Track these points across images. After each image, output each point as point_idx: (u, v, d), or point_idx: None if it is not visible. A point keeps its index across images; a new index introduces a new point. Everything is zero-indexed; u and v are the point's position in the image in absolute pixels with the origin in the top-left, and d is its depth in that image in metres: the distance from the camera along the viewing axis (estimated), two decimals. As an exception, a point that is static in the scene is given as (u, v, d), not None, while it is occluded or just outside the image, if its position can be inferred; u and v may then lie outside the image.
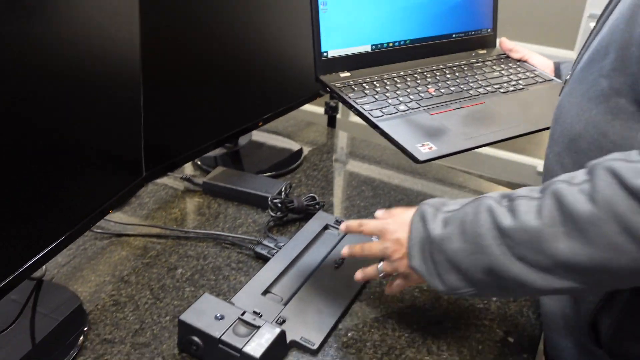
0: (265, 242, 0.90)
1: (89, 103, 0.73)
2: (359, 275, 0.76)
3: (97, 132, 0.77)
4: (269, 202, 0.96)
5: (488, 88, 0.91)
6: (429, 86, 0.88)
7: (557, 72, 1.01)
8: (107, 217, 0.94)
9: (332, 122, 1.47)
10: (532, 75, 0.99)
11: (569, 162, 0.67)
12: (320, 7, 0.82)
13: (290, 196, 1.00)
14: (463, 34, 0.99)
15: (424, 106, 0.83)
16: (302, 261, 0.87)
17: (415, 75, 0.90)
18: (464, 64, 0.96)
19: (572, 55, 2.38)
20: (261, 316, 0.75)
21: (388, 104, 0.83)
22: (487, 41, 1.04)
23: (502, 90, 0.92)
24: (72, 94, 0.70)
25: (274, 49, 1.12)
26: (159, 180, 1.09)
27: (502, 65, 1.00)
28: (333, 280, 0.84)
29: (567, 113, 0.69)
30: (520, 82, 0.96)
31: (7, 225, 0.65)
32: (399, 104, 0.83)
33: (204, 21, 0.95)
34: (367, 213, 1.03)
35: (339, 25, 0.85)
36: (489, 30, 1.04)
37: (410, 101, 0.84)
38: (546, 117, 0.88)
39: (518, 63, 1.02)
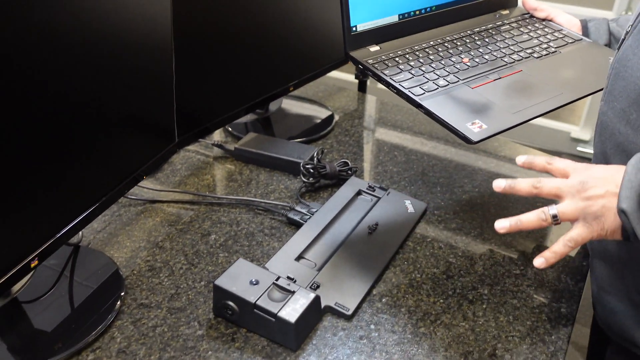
0: (298, 208, 0.90)
1: (121, 71, 0.73)
2: (509, 223, 0.67)
3: (130, 99, 0.77)
4: (301, 168, 0.95)
5: (521, 54, 0.87)
6: (462, 56, 0.85)
7: (585, 31, 0.96)
8: (140, 184, 0.94)
9: (362, 87, 1.45)
10: (560, 36, 0.95)
11: (638, 119, 0.65)
12: None
13: (322, 162, 0.99)
14: None
15: (463, 79, 0.80)
16: (335, 227, 0.86)
17: (446, 44, 0.87)
18: (490, 28, 0.93)
19: (610, 15, 2.29)
20: (295, 282, 0.75)
21: (426, 79, 0.79)
22: (509, 0, 1.00)
23: (535, 55, 0.88)
24: (104, 63, 0.70)
25: (303, 13, 1.10)
26: (191, 147, 1.09)
27: (529, 27, 0.96)
28: (366, 246, 0.83)
29: (633, 67, 0.66)
30: (551, 44, 0.93)
31: (44, 192, 0.65)
32: (438, 78, 0.80)
33: (233, -16, 0.93)
34: (400, 178, 1.01)
35: None
36: None
37: (448, 74, 0.81)
38: (587, 80, 0.85)
39: (544, 23, 0.98)
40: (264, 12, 1.00)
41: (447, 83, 0.79)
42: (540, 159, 0.70)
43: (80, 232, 0.84)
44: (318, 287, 0.75)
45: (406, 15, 0.85)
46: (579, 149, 2.45)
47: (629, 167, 0.61)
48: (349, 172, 0.99)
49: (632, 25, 0.71)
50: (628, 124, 0.66)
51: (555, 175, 0.68)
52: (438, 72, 0.81)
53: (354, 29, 0.81)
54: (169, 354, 0.67)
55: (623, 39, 0.72)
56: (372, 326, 0.72)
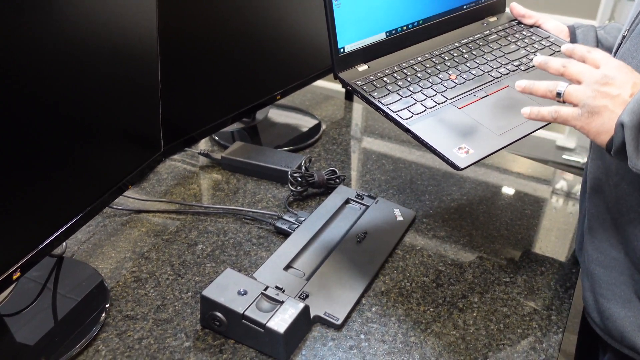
0: (286, 217, 0.89)
1: (105, 80, 0.72)
2: (525, 84, 0.69)
3: (115, 108, 0.76)
4: (289, 177, 0.95)
5: (508, 67, 0.87)
6: (449, 72, 0.84)
7: (573, 37, 0.96)
8: (126, 194, 0.93)
9: (349, 95, 1.45)
10: (548, 44, 0.95)
11: None
12: (334, 3, 0.76)
13: (310, 170, 0.98)
14: (473, 4, 0.95)
15: (450, 99, 0.79)
16: (324, 236, 0.86)
17: (434, 59, 0.86)
18: (478, 39, 0.92)
19: (594, 24, 2.32)
20: (284, 291, 0.74)
21: (414, 101, 0.78)
22: (497, 7, 1.00)
23: (522, 67, 0.88)
24: (88, 71, 0.69)
25: (290, 22, 1.09)
26: (177, 156, 1.08)
27: (517, 35, 0.95)
28: (355, 254, 0.82)
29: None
30: (538, 54, 0.93)
31: (27, 203, 0.64)
32: (425, 99, 0.78)
33: (219, -8, 0.93)
34: (388, 187, 1.01)
35: (353, 18, 0.80)
36: None
37: (435, 94, 0.79)
38: None
39: (531, 30, 0.98)
40: (250, 21, 1.00)
41: (435, 104, 0.78)
42: (556, 62, 0.68)
43: (64, 243, 0.82)
44: (307, 296, 0.74)
45: (393, 32, 0.84)
46: (564, 157, 2.47)
47: None
48: (337, 180, 0.98)
49: (628, 30, 0.71)
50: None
51: (577, 73, 0.67)
52: (426, 92, 0.79)
53: (341, 50, 0.79)
54: (155, 366, 0.66)
55: (620, 44, 0.72)
56: (362, 336, 0.71)
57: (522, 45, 0.93)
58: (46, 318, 0.71)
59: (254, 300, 0.69)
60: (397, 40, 0.85)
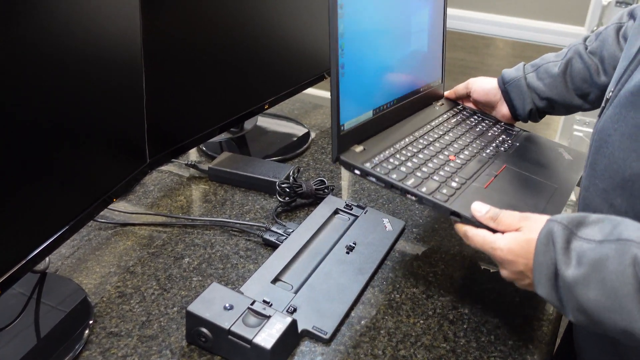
0: (274, 229, 0.88)
1: (87, 89, 0.71)
2: (463, 229, 0.67)
3: (99, 119, 0.74)
4: (277, 187, 0.93)
5: (491, 148, 0.87)
6: (445, 152, 0.82)
7: (505, 95, 0.94)
8: (111, 207, 0.92)
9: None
10: (504, 128, 0.96)
11: (623, 205, 0.61)
12: (340, 70, 0.72)
13: (298, 180, 0.97)
14: (426, 87, 0.96)
15: (469, 178, 0.76)
16: (312, 247, 0.85)
17: (421, 140, 0.84)
18: (445, 120, 0.93)
19: (582, 32, 2.32)
20: (271, 305, 0.72)
21: (438, 182, 0.73)
22: (439, 92, 1.01)
23: (502, 149, 0.89)
24: (70, 80, 0.67)
25: (278, 30, 1.09)
26: (164, 168, 1.07)
27: (471, 120, 0.96)
28: (344, 266, 0.81)
29: (614, 144, 0.62)
30: (506, 137, 0.93)
31: (8, 216, 0.62)
32: (446, 179, 0.75)
33: (206, 3, 0.91)
34: (378, 196, 1.00)
35: (352, 92, 0.76)
36: (439, 81, 1.00)
37: (451, 174, 0.76)
38: (562, 169, 0.87)
39: (477, 115, 0.99)
40: (238, 29, 0.99)
41: (459, 184, 0.74)
42: (485, 217, 0.66)
43: (47, 258, 0.80)
44: (295, 310, 0.73)
45: (377, 110, 0.83)
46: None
47: (539, 244, 0.57)
48: (326, 190, 0.97)
49: (613, 91, 0.66)
50: (612, 208, 0.63)
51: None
52: (442, 173, 0.76)
53: (342, 127, 0.75)
54: (139, 385, 0.64)
55: (603, 107, 0.68)
56: (351, 350, 0.70)
57: (486, 128, 0.94)
58: (28, 336, 0.69)
59: (240, 315, 0.67)
60: (381, 119, 0.84)
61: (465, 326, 0.74)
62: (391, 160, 0.77)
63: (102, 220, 0.90)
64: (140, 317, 0.73)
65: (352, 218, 0.91)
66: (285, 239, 0.85)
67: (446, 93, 1.02)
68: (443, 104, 1.00)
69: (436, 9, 0.96)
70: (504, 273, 0.63)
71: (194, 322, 0.68)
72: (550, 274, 0.56)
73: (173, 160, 1.06)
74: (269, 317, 0.67)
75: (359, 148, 0.77)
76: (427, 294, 0.79)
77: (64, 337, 0.69)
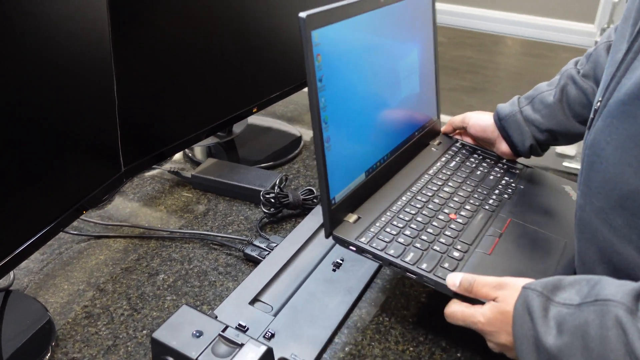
0: (257, 243, 0.82)
1: (54, 91, 0.65)
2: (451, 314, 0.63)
3: (66, 123, 0.69)
4: (261, 197, 0.88)
5: (493, 197, 0.81)
6: (444, 210, 0.75)
7: (502, 130, 0.88)
8: (86, 217, 0.86)
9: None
10: (506, 167, 0.89)
11: (624, 226, 0.56)
12: (325, 145, 0.66)
13: (285, 190, 0.91)
14: (421, 129, 0.89)
15: (471, 243, 0.70)
16: (296, 264, 0.79)
17: (418, 197, 0.78)
18: (443, 167, 0.86)
19: (592, 29, 2.25)
20: (247, 330, 0.67)
21: (439, 253, 0.67)
22: (435, 130, 0.94)
23: (505, 196, 0.82)
24: (35, 82, 0.62)
25: (269, 28, 1.03)
26: (147, 174, 1.01)
27: (471, 160, 0.90)
28: (330, 285, 0.75)
29: (608, 159, 0.57)
30: (509, 179, 0.86)
31: None
32: (447, 248, 0.68)
33: (185, -1, 0.86)
34: (371, 207, 0.94)
35: (340, 161, 0.69)
36: (434, 118, 0.94)
37: (453, 240, 0.70)
38: (569, 214, 0.78)
39: (477, 153, 0.92)
40: (224, 26, 0.93)
41: (461, 253, 0.68)
42: (462, 285, 0.62)
43: (12, 274, 0.75)
44: (272, 336, 0.67)
45: (370, 170, 0.76)
46: (565, 164, 2.40)
47: (516, 314, 0.54)
48: (314, 200, 0.91)
49: (600, 101, 0.61)
50: (612, 230, 0.57)
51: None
52: (443, 239, 0.70)
53: (333, 201, 0.68)
54: (98, 419, 0.59)
55: (592, 118, 0.62)
56: (333, 380, 0.64)
57: (486, 170, 0.88)
58: (-17, 362, 0.64)
59: (210, 344, 0.61)
60: (374, 179, 0.77)
61: (458, 354, 0.68)
62: (387, 230, 0.70)
63: (74, 233, 0.85)
64: (106, 341, 0.68)
65: (341, 231, 0.85)
66: (268, 254, 0.80)
67: (443, 128, 0.96)
68: (440, 142, 0.93)
69: (425, 43, 0.89)
70: (490, 345, 0.60)
71: (159, 350, 0.62)
72: (531, 345, 0.52)
73: (155, 166, 1.01)
74: (241, 345, 0.62)
75: (352, 217, 0.71)
76: (419, 317, 0.73)
77: (21, 364, 0.64)
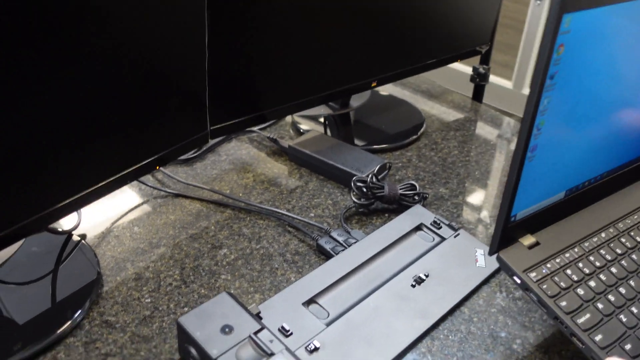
0: (335, 235, 0.71)
1: (141, 32, 0.59)
2: None
3: (155, 70, 0.63)
4: (352, 184, 0.76)
5: None
6: None
7: None
8: (171, 173, 0.82)
9: (478, 94, 1.21)
10: None
11: None
12: (528, 154, 0.53)
13: (382, 180, 0.79)
14: None
15: None
16: (372, 269, 0.67)
17: (622, 239, 0.60)
18: None
19: None
20: (290, 335, 0.57)
21: (623, 327, 0.52)
22: None
23: None
24: (122, 25, 0.56)
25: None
26: (246, 137, 0.95)
27: None
28: (404, 302, 0.62)
29: None
30: None
31: (50, 159, 0.56)
32: (638, 324, 0.53)
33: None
34: (480, 219, 0.78)
35: (541, 176, 0.56)
36: None
37: None
38: None
39: None
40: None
41: None
42: None
43: (79, 218, 0.73)
44: (316, 349, 0.56)
45: (574, 189, 0.61)
46: None
47: None
48: (415, 198, 0.78)
49: None
50: None
51: None
52: (635, 309, 0.54)
53: (512, 219, 0.56)
54: (105, 397, 0.53)
55: None
56: (373, 422, 0.52)
57: None
58: (20, 306, 0.61)
59: (237, 344, 0.53)
60: (574, 201, 0.61)
61: None
62: (568, 272, 0.55)
63: (151, 185, 0.81)
64: (145, 310, 0.62)
65: (436, 240, 0.72)
66: (342, 250, 0.69)
67: None
68: None
69: None
70: None
71: (183, 336, 0.55)
72: None
73: (255, 130, 0.93)
74: (270, 354, 0.52)
75: (529, 240, 0.57)
76: (504, 368, 0.58)
77: (55, 316, 0.60)
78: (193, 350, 0.54)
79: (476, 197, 0.82)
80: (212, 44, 0.70)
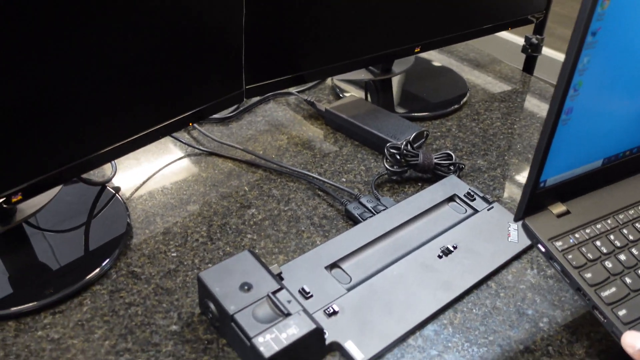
0: (364, 201, 0.70)
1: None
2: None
3: (190, 25, 0.63)
4: (386, 151, 0.75)
5: None
6: None
7: None
8: (207, 131, 0.82)
9: (529, 65, 1.16)
10: None
11: None
12: (563, 117, 0.49)
13: (416, 148, 0.77)
14: None
15: None
16: (398, 236, 0.66)
17: None
18: None
19: None
20: (310, 297, 0.57)
21: None
22: None
23: None
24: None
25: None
26: (284, 99, 0.94)
27: None
28: (428, 272, 0.61)
29: None
30: None
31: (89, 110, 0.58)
32: None
33: None
34: (518, 193, 0.76)
35: (575, 140, 0.53)
36: None
37: None
38: None
39: None
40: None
41: None
42: None
43: (114, 171, 0.74)
44: (335, 313, 0.56)
45: (613, 158, 0.57)
46: None
47: None
48: (451, 168, 0.76)
49: None
50: None
51: None
52: None
53: (541, 185, 0.53)
54: (125, 344, 0.54)
55: None
56: (386, 390, 0.52)
57: None
58: (54, 250, 0.63)
59: (254, 302, 0.53)
60: (611, 171, 0.58)
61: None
62: (597, 243, 0.53)
63: (185, 142, 0.81)
64: (170, 264, 0.63)
65: (469, 212, 0.70)
66: (371, 217, 0.68)
67: None
68: None
69: None
70: None
71: (203, 291, 0.55)
72: None
73: (292, 92, 0.92)
74: (287, 314, 0.52)
75: (559, 208, 0.55)
76: (526, 347, 0.56)
77: (83, 263, 0.62)
78: (212, 305, 0.54)
79: (515, 171, 0.79)
80: (250, 0, 0.69)
